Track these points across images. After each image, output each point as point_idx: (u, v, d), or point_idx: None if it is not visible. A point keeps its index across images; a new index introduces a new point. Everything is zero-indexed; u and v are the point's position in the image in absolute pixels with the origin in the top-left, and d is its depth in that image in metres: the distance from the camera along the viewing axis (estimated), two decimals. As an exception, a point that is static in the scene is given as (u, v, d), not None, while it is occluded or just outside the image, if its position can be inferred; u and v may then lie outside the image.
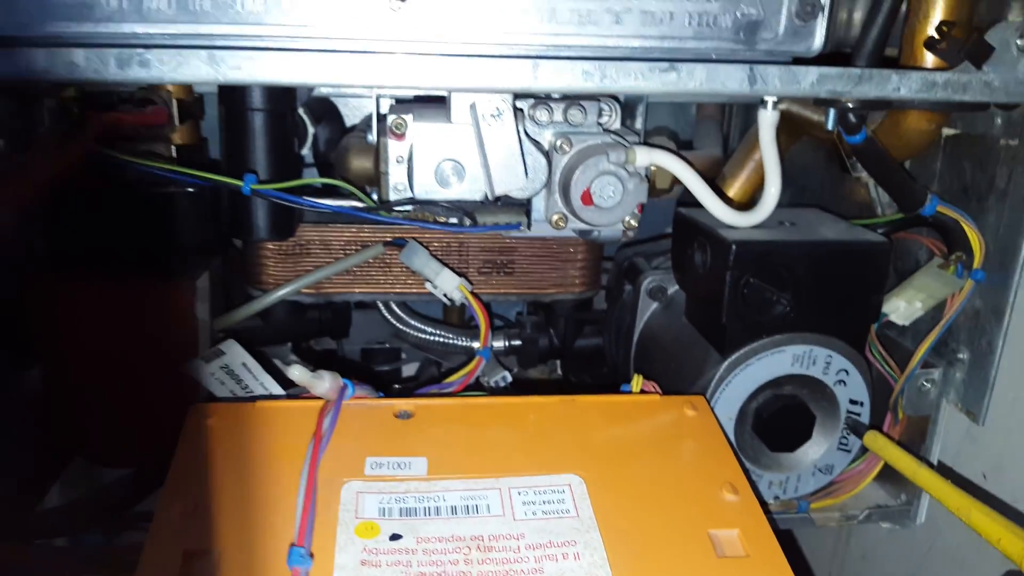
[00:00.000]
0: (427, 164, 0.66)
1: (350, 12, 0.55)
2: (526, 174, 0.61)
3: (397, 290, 0.87)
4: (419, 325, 0.94)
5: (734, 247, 0.67)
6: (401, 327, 0.94)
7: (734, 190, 0.86)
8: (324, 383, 0.61)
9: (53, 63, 0.51)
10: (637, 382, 0.70)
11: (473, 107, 0.59)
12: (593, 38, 0.57)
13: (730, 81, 0.57)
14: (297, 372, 0.59)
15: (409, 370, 1.09)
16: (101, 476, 0.86)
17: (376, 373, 1.05)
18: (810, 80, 0.58)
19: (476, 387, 0.92)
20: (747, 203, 0.86)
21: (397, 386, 0.95)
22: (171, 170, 0.67)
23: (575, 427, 0.62)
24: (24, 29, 0.52)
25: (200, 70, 0.53)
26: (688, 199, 0.73)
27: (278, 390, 0.71)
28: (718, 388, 0.71)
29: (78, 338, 0.70)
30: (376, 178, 0.77)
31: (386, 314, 0.94)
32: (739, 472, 0.58)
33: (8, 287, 0.68)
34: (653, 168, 0.72)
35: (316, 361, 0.94)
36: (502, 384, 0.86)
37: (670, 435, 0.63)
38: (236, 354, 0.71)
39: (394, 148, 0.67)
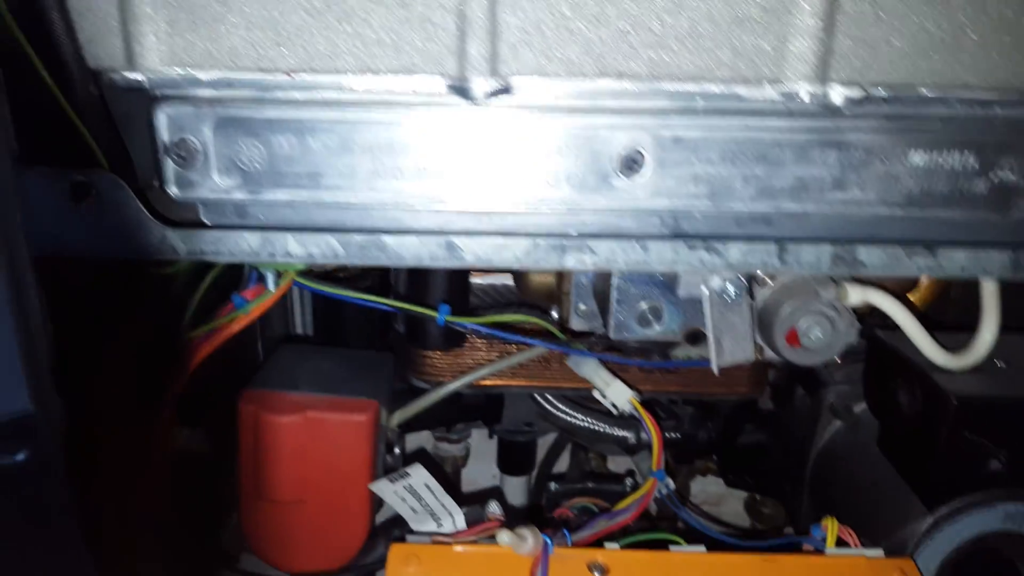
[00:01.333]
0: (630, 305, 0.62)
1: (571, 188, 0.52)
2: (753, 349, 0.58)
3: (555, 385, 0.85)
4: (569, 411, 0.92)
5: (955, 403, 0.63)
6: (552, 411, 0.92)
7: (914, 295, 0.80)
8: (527, 543, 0.60)
9: (307, 246, 0.50)
10: (832, 529, 0.67)
11: (705, 283, 0.55)
12: (836, 206, 0.53)
13: (991, 266, 0.52)
14: (506, 538, 0.58)
15: (544, 440, 1.08)
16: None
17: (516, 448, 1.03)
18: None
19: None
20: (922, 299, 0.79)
21: (554, 485, 0.93)
22: (369, 299, 0.65)
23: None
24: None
25: (438, 255, 0.50)
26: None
27: (458, 512, 0.70)
28: (921, 543, 0.67)
29: (269, 456, 0.70)
30: (557, 296, 0.75)
31: (539, 399, 0.91)
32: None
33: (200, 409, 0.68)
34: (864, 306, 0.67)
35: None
36: (664, 492, 0.83)
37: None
38: (420, 476, 0.71)
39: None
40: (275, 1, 0.47)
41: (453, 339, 0.79)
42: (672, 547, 0.67)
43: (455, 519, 0.70)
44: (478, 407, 0.90)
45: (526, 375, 0.84)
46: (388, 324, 0.91)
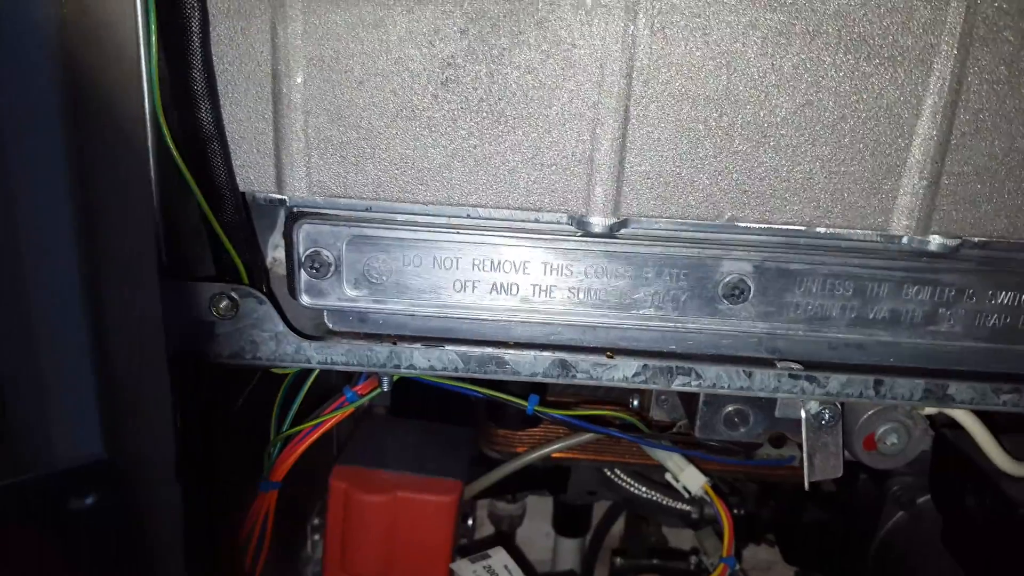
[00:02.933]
0: (716, 408, 0.66)
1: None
2: (842, 466, 0.61)
3: (624, 461, 0.88)
4: (634, 483, 0.95)
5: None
6: (617, 482, 0.95)
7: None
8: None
9: (431, 359, 0.54)
10: (899, 625, 0.69)
11: (803, 407, 0.58)
12: (927, 338, 0.56)
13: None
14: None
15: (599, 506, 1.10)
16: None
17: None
18: None
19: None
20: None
21: (619, 560, 0.96)
22: (466, 388, 0.68)
23: None
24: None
25: (552, 372, 0.54)
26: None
27: (534, 593, 0.73)
28: (988, 643, 0.69)
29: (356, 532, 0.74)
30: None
31: (605, 470, 0.94)
32: None
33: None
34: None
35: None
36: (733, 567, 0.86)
37: None
38: (501, 559, 0.74)
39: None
40: (420, 144, 0.51)
41: (530, 421, 0.82)
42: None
43: (531, 600, 0.73)
44: (545, 477, 0.93)
45: (596, 450, 0.87)
46: (459, 396, 0.94)
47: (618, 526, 1.17)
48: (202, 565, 0.61)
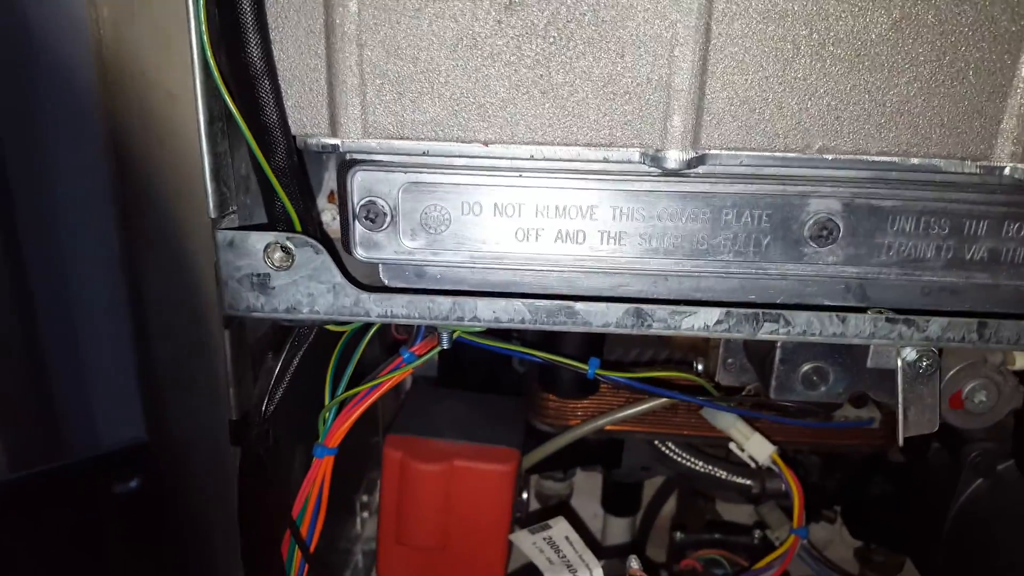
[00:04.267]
0: (794, 366, 0.62)
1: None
2: (938, 420, 0.56)
3: (682, 433, 0.84)
4: (690, 457, 0.91)
5: None
6: (672, 456, 0.91)
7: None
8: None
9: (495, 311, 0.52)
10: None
11: (899, 355, 0.54)
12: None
13: None
14: None
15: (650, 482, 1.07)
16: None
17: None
18: None
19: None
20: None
21: (679, 534, 0.92)
22: (528, 352, 0.65)
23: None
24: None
25: (626, 322, 0.51)
26: None
27: (597, 566, 0.70)
28: (1084, 614, 0.65)
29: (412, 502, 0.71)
30: (703, 349, 0.74)
31: (658, 444, 0.91)
32: None
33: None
34: (1027, 370, 0.65)
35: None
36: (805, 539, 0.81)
37: None
38: (562, 529, 0.71)
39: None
40: (482, 76, 0.47)
41: (588, 387, 0.79)
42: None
43: (593, 573, 0.70)
44: (598, 451, 0.90)
45: (651, 422, 0.84)
46: (509, 366, 0.91)
47: (669, 506, 1.14)
48: (257, 536, 0.59)
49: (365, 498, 0.92)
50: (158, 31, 0.48)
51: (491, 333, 0.63)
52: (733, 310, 0.51)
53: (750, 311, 0.51)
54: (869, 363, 0.54)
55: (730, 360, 0.68)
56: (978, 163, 0.48)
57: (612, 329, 0.52)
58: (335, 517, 0.84)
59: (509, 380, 0.91)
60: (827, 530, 1.07)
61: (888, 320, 0.50)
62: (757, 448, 0.75)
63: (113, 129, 0.51)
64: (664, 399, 0.78)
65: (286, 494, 0.62)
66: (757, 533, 0.89)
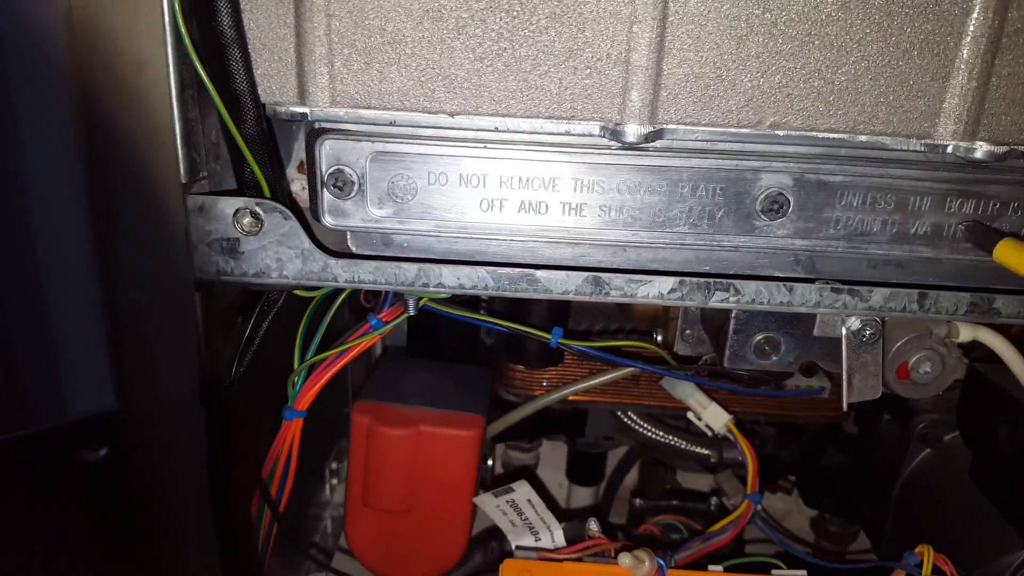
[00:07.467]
0: (746, 336, 0.64)
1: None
2: (881, 387, 0.59)
3: (643, 403, 0.87)
4: (651, 427, 0.94)
5: (1061, 442, 0.64)
6: (633, 427, 0.94)
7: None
8: (645, 566, 0.62)
9: (460, 277, 0.53)
10: (929, 557, 0.68)
11: (844, 324, 0.56)
12: (968, 253, 0.54)
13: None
14: (627, 560, 0.60)
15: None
16: None
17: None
18: None
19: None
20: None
21: (638, 501, 0.95)
22: (492, 322, 0.67)
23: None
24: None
25: (585, 289, 0.53)
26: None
27: (558, 528, 0.72)
28: (1018, 574, 0.68)
29: (379, 466, 0.73)
30: (662, 321, 0.77)
31: (620, 414, 0.93)
32: None
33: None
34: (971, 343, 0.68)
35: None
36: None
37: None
38: (524, 492, 0.73)
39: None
40: (447, 47, 0.49)
41: (552, 357, 0.81)
42: (774, 571, 0.69)
43: (554, 535, 0.72)
44: (563, 421, 0.92)
45: (615, 392, 0.86)
46: (477, 337, 0.93)
47: (631, 476, 1.17)
48: (226, 497, 0.60)
49: (335, 465, 0.94)
50: (129, -2, 0.48)
51: (457, 302, 0.65)
52: (686, 279, 0.53)
53: (702, 280, 0.53)
54: (816, 331, 0.56)
55: (688, 331, 0.70)
56: (922, 141, 0.51)
57: (572, 296, 0.54)
58: (306, 484, 0.86)
59: (477, 351, 0.92)
60: (784, 501, 1.11)
61: (833, 290, 0.53)
62: (713, 417, 0.78)
63: (83, 96, 0.52)
64: (626, 369, 0.80)
65: (256, 457, 0.63)
66: (714, 500, 0.92)
